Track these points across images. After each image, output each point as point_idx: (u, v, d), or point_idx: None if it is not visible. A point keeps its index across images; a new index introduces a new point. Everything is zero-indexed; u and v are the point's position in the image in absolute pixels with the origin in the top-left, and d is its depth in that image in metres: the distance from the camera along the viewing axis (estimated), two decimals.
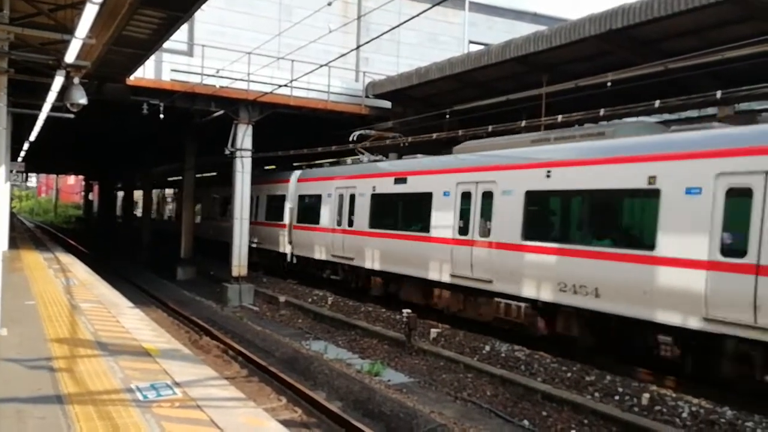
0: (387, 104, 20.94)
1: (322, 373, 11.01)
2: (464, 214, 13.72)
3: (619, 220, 11.09)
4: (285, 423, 8.38)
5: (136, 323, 9.91)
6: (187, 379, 6.68)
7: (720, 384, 9.20)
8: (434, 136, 15.93)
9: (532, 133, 13.46)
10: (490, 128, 14.70)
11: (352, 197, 18.00)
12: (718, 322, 8.77)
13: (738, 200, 8.77)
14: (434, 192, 14.67)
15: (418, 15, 9.97)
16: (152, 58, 15.90)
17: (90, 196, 64.53)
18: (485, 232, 13.05)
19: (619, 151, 10.71)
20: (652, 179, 9.88)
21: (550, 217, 12.32)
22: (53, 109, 15.11)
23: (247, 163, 19.80)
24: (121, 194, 55.19)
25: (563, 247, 11.26)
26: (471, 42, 26.58)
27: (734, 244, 8.75)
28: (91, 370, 6.86)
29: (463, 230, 13.67)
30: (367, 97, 20.76)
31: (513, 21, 27.31)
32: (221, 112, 19.21)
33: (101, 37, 11.30)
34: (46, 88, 12.98)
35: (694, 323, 9.06)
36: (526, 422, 9.17)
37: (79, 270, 16.98)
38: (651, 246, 9.73)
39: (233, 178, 19.83)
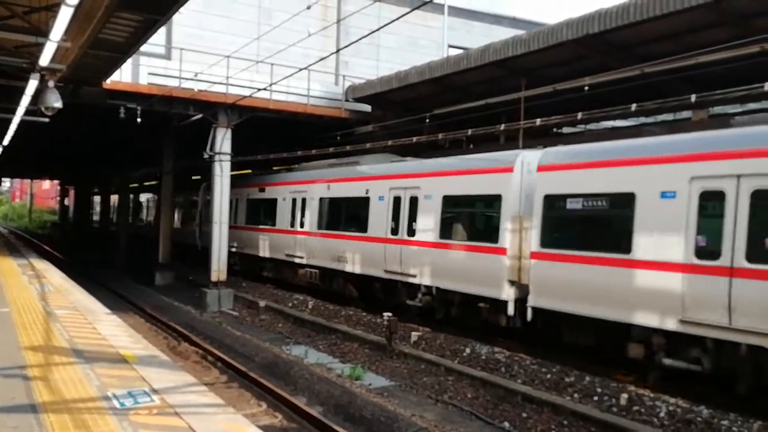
0: (367, 108, 20.95)
1: (303, 377, 10.96)
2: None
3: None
4: (265, 428, 8.32)
5: (113, 330, 9.76)
6: (165, 386, 6.59)
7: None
8: (414, 139, 15.99)
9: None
10: (469, 132, 14.81)
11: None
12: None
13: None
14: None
15: (397, 19, 10.00)
16: (129, 61, 15.72)
17: (66, 201, 63.55)
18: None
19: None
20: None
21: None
22: (27, 112, 14.88)
23: (226, 167, 19.66)
24: (98, 199, 54.40)
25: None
26: (450, 46, 26.68)
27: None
28: (67, 378, 6.74)
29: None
30: (347, 100, 20.75)
31: (491, 25, 27.46)
32: (200, 115, 19.06)
33: (77, 40, 11.16)
34: (20, 91, 12.79)
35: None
36: (506, 424, 9.21)
37: (55, 276, 16.69)
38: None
39: (212, 182, 19.68)
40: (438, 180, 13.94)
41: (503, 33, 21.53)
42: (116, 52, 13.38)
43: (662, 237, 9.36)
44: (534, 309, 11.20)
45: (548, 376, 10.49)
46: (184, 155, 24.76)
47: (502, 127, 14.16)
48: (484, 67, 15.58)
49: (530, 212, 11.54)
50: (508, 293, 11.90)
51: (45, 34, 9.31)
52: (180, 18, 18.45)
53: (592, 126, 17.11)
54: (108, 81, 16.82)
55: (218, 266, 19.51)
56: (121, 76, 17.31)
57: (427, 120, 16.87)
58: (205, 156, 19.53)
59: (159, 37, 17.43)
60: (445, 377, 11.27)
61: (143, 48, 14.10)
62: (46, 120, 15.10)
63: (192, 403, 6.12)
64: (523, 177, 12.05)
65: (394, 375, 11.74)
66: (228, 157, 19.63)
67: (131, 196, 41.94)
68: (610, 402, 9.31)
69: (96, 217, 54.91)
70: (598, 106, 13.13)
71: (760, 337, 8.20)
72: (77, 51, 12.04)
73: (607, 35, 12.75)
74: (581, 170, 10.80)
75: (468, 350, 12.20)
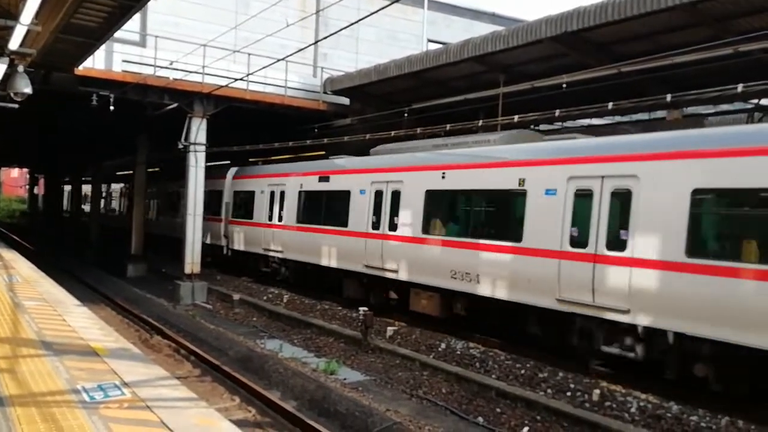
0: (345, 101, 20.83)
1: (277, 372, 10.88)
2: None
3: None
4: (238, 423, 8.20)
5: (84, 322, 9.55)
6: (136, 379, 6.47)
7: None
8: (392, 133, 15.94)
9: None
10: (447, 126, 14.82)
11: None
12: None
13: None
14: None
15: (376, 11, 9.91)
16: (103, 47, 15.39)
17: (35, 190, 62.21)
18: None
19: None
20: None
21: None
22: None
23: (201, 157, 19.39)
24: (68, 188, 53.36)
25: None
26: (430, 40, 26.69)
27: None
28: (35, 371, 6.57)
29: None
30: (325, 93, 20.60)
31: (472, 20, 27.54)
32: (175, 105, 18.75)
33: (48, 24, 10.86)
34: None
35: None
36: (480, 419, 9.25)
37: (23, 266, 16.31)
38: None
39: (186, 173, 19.40)
40: None
41: (483, 29, 21.58)
42: (89, 38, 13.06)
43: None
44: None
45: (522, 371, 10.57)
46: (159, 146, 24.38)
47: (481, 122, 14.19)
48: (463, 62, 15.59)
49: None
50: None
51: (15, 17, 9.04)
52: (155, 5, 18.16)
53: (569, 123, 17.29)
54: (80, 67, 16.44)
55: (192, 258, 19.27)
56: (94, 63, 16.94)
57: (406, 114, 16.83)
58: (180, 146, 19.25)
59: (134, 23, 17.10)
60: (420, 372, 11.29)
61: (117, 34, 13.79)
62: (16, 106, 14.69)
63: (164, 397, 6.01)
64: None
65: (369, 369, 11.72)
66: (203, 148, 19.36)
67: (104, 186, 41.27)
68: (583, 397, 9.42)
69: (67, 207, 53.90)
70: (576, 103, 13.23)
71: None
72: (48, 35, 11.72)
73: (585, 33, 12.83)
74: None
75: (443, 345, 12.23)
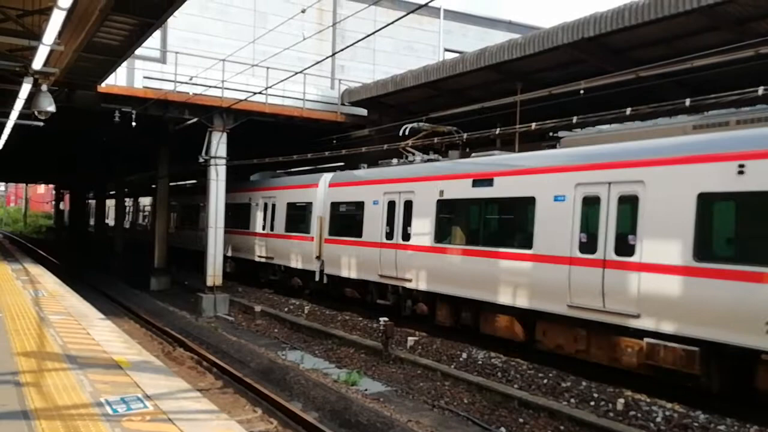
0: (363, 111, 20.93)
1: (299, 383, 10.90)
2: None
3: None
4: None
5: (107, 335, 9.69)
6: (158, 392, 6.53)
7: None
8: (410, 142, 15.96)
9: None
10: (465, 136, 14.79)
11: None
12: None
13: None
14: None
15: (392, 23, 9.99)
16: (124, 65, 15.68)
17: (61, 206, 63.32)
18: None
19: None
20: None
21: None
22: (21, 116, 14.79)
23: (222, 171, 19.59)
24: (93, 203, 54.22)
25: None
26: (446, 50, 26.73)
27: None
28: (59, 384, 6.67)
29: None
30: (342, 104, 20.73)
31: (487, 29, 27.54)
32: (195, 119, 19.00)
33: (71, 43, 11.11)
34: (14, 95, 12.72)
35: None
36: (503, 429, 9.15)
37: (49, 281, 16.59)
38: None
39: (207, 186, 19.61)
40: None
41: (499, 37, 21.60)
42: (110, 56, 13.32)
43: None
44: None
45: (545, 381, 10.46)
46: (180, 160, 24.65)
47: (497, 131, 14.15)
48: (480, 71, 15.58)
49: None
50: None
51: (38, 37, 9.25)
52: (175, 22, 18.46)
53: (589, 130, 17.08)
54: (102, 85, 16.76)
55: (214, 271, 19.43)
56: (116, 80, 17.25)
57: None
58: (201, 160, 19.48)
59: (154, 40, 17.41)
60: (441, 382, 11.22)
61: (138, 51, 14.04)
62: (41, 124, 15.01)
63: (186, 410, 6.06)
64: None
65: (390, 380, 11.68)
66: (223, 161, 19.57)
67: (128, 200, 41.83)
68: (607, 407, 9.28)
69: (92, 221, 54.72)
70: (594, 109, 13.11)
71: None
72: (71, 55, 11.98)
73: (602, 39, 12.76)
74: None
75: (464, 355, 12.15)
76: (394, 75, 18.77)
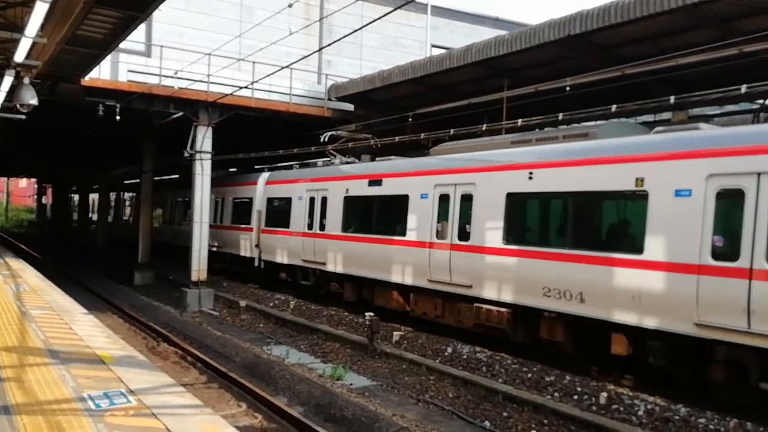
0: (350, 107, 20.88)
1: (284, 378, 10.88)
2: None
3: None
4: (244, 429, 8.27)
5: (90, 330, 9.60)
6: (142, 387, 6.49)
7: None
8: (397, 139, 15.96)
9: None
10: (451, 132, 14.83)
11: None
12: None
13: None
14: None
15: (379, 18, 9.99)
16: (108, 58, 15.52)
17: (43, 200, 62.62)
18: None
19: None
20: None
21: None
22: (3, 109, 14.61)
23: (207, 165, 19.47)
24: (76, 197, 53.70)
25: None
26: (433, 46, 26.68)
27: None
28: (41, 379, 6.61)
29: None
30: (329, 99, 20.66)
31: (474, 25, 27.52)
32: (180, 113, 18.85)
33: (54, 36, 10.97)
34: None
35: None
36: (487, 423, 9.22)
37: (31, 276, 16.41)
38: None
39: (192, 181, 19.48)
40: None
41: (486, 33, 21.59)
42: (94, 49, 13.18)
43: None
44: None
45: (529, 375, 10.53)
46: (165, 154, 24.44)
47: (485, 127, 14.19)
48: (467, 67, 15.60)
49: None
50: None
51: (20, 29, 9.13)
52: (160, 15, 18.22)
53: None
54: (86, 78, 16.57)
55: (198, 266, 19.33)
56: (100, 74, 17.06)
57: (410, 119, 16.85)
58: (186, 154, 19.33)
59: (139, 34, 17.20)
60: (426, 377, 11.27)
61: (122, 45, 13.90)
62: (23, 117, 14.81)
63: (169, 404, 6.03)
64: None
65: (375, 375, 11.71)
66: (209, 156, 19.45)
67: (112, 194, 41.47)
68: (590, 401, 9.37)
69: (74, 216, 54.20)
70: (580, 106, 13.21)
71: None
72: (54, 47, 11.83)
73: (588, 36, 12.82)
74: None
75: (449, 350, 12.21)
76: (381, 70, 18.73)
